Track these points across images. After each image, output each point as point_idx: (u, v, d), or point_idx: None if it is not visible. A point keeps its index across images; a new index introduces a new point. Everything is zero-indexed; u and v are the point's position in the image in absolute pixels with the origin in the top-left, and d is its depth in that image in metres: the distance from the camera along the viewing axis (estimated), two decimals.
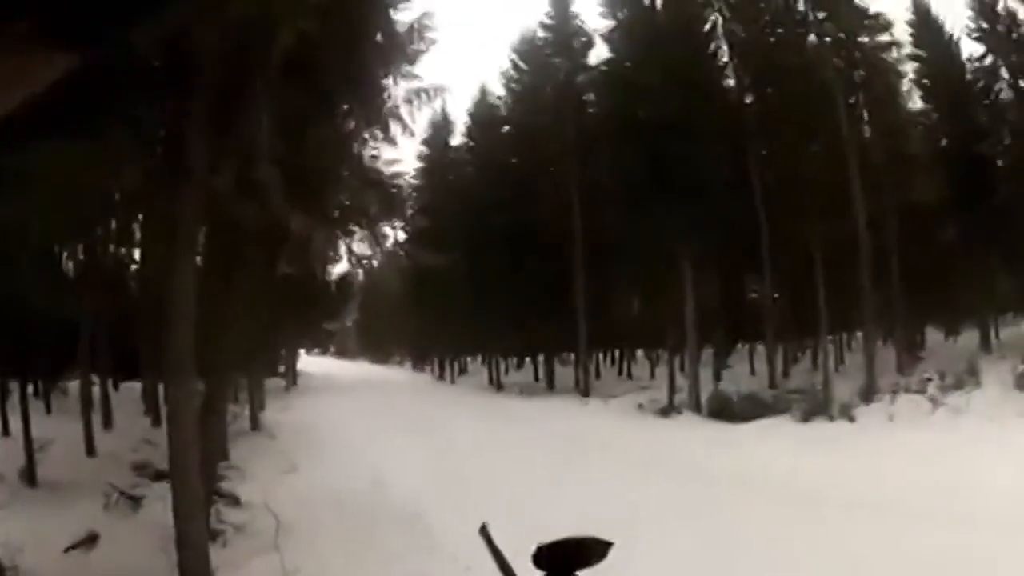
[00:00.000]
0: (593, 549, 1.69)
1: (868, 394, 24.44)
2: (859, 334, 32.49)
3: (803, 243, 26.80)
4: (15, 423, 19.76)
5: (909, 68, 31.15)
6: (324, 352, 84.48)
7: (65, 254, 21.41)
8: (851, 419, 22.55)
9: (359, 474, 18.29)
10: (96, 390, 24.07)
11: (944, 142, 30.45)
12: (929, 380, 23.53)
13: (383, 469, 18.90)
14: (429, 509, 13.86)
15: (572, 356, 43.00)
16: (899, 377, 25.60)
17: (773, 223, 28.37)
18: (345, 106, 12.72)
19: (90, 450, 20.75)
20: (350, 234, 14.57)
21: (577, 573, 1.72)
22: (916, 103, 31.78)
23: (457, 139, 51.38)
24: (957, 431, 18.44)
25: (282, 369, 46.12)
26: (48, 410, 25.21)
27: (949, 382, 22.77)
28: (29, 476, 17.78)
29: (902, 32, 30.65)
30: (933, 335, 33.96)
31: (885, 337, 30.62)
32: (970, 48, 30.32)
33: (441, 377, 60.03)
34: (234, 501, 15.26)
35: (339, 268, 17.80)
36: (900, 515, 11.86)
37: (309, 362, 62.91)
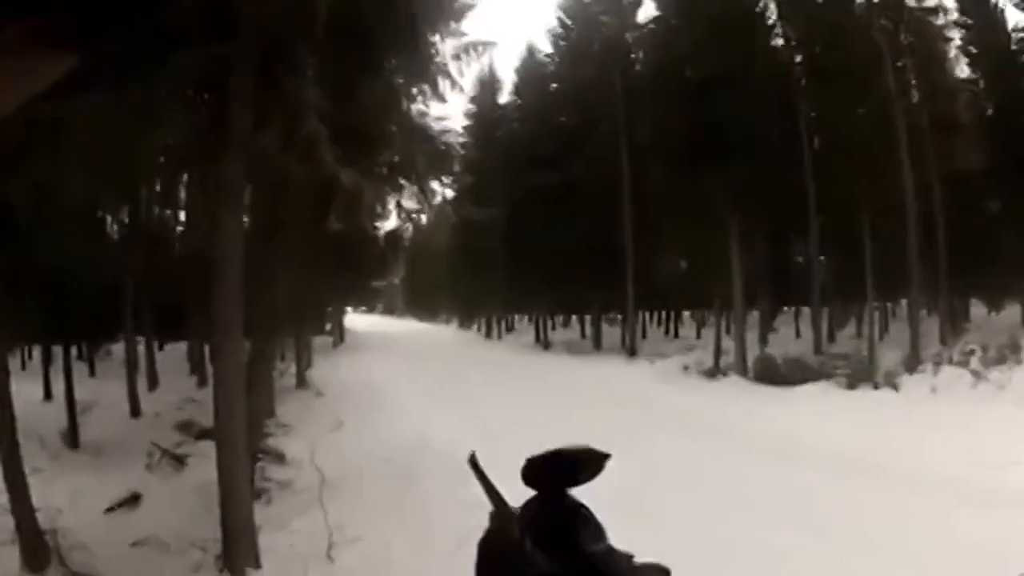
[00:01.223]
0: (588, 461, 1.50)
1: (911, 364, 24.12)
2: (904, 302, 32.17)
3: (850, 207, 26.43)
4: (58, 387, 19.88)
5: (955, 35, 30.65)
6: (371, 310, 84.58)
7: (109, 217, 21.42)
8: (895, 388, 22.33)
9: (405, 431, 18.28)
10: (141, 351, 24.24)
11: (990, 111, 29.97)
12: (971, 353, 23.09)
13: (429, 426, 18.86)
14: (464, 468, 13.84)
15: (619, 315, 42.86)
16: (942, 348, 25.21)
17: (820, 185, 27.99)
18: (392, 62, 12.61)
19: (134, 411, 20.92)
20: (399, 189, 14.53)
21: (570, 490, 1.50)
22: (963, 70, 31.30)
23: (505, 97, 51.43)
24: (999, 407, 18.20)
25: (329, 327, 46.20)
26: (92, 372, 25.45)
27: (991, 356, 22.38)
28: (71, 438, 17.93)
29: None
30: (976, 307, 33.50)
31: (929, 307, 30.30)
32: (1016, 17, 29.86)
33: (488, 335, 60.10)
34: (279, 458, 15.29)
35: (388, 225, 17.77)
36: (937, 489, 11.76)
37: (356, 320, 62.86)
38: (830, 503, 11.48)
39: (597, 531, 1.43)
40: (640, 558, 1.41)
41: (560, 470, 1.48)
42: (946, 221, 26.25)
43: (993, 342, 23.35)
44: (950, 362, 22.97)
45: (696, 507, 11.59)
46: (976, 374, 21.28)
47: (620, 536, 1.42)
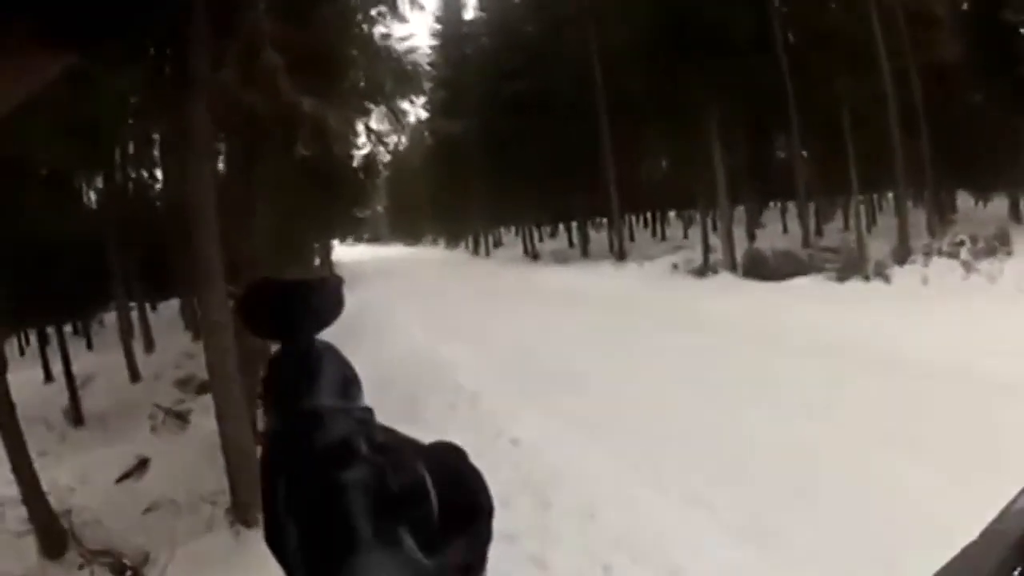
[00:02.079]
0: (318, 290, 1.02)
1: (901, 256, 24.05)
2: (890, 195, 32.00)
3: (830, 101, 26.23)
4: (58, 367, 19.84)
5: None
6: (358, 240, 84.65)
7: (85, 185, 21.20)
8: (886, 280, 22.30)
9: (401, 352, 18.30)
10: (135, 316, 24.15)
11: (965, 6, 29.53)
12: (961, 244, 23.05)
13: (425, 347, 18.92)
14: (472, 384, 13.81)
15: (605, 221, 42.80)
16: (931, 240, 25.18)
17: (798, 80, 27.72)
18: None
19: (134, 376, 20.93)
20: (367, 112, 14.37)
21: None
22: None
23: (470, 13, 51.62)
24: (992, 298, 18.17)
25: (317, 262, 46.37)
26: (89, 345, 25.42)
27: (981, 248, 22.34)
28: (75, 415, 17.92)
29: None
30: (963, 199, 33.44)
31: (915, 199, 30.20)
32: None
33: (476, 252, 60.53)
34: None
35: (362, 152, 17.63)
36: (944, 377, 11.56)
37: (344, 252, 62.99)
38: (837, 394, 11.39)
39: (348, 383, 1.06)
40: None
41: (280, 307, 1.10)
42: (928, 113, 26.04)
43: (981, 233, 23.25)
44: (939, 254, 22.93)
45: (703, 405, 11.50)
46: (967, 265, 21.25)
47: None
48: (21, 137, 9.53)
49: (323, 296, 1.07)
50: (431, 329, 21.34)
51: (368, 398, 1.19)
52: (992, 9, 26.08)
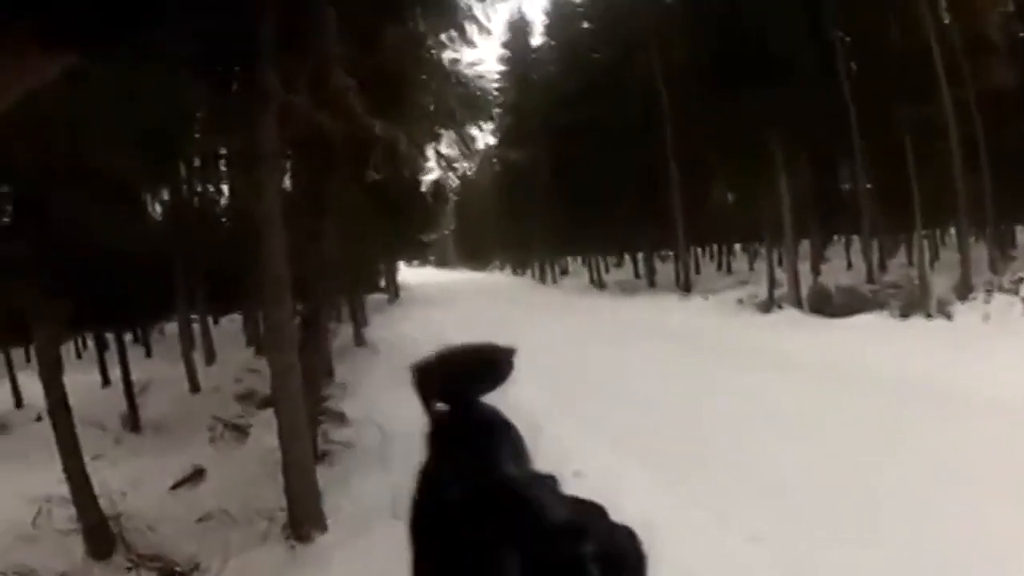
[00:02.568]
0: (484, 360, 1.27)
1: (963, 292, 23.82)
2: (952, 230, 31.68)
3: (893, 131, 26.05)
4: (115, 372, 20.05)
5: None
6: (424, 263, 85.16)
7: (151, 196, 21.46)
8: (948, 316, 22.09)
9: None
10: (196, 327, 24.41)
11: (1022, 34, 29.22)
12: (1020, 281, 22.86)
13: None
14: (536, 413, 13.76)
15: (671, 253, 42.75)
16: (992, 275, 24.93)
17: (861, 111, 27.56)
18: (414, 8, 12.49)
19: (193, 387, 21.15)
20: (437, 138, 14.50)
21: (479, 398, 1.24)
22: None
23: (537, 39, 51.81)
24: None
25: (383, 283, 46.57)
26: (148, 354, 25.70)
27: None
28: (132, 422, 18.09)
29: None
30: (1022, 234, 33.10)
31: (977, 234, 29.93)
32: None
33: (542, 279, 60.46)
34: (340, 419, 15.36)
35: (431, 176, 17.78)
36: (1008, 415, 11.46)
37: (410, 274, 63.52)
38: (907, 432, 11.33)
39: (516, 448, 1.22)
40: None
41: (458, 374, 1.26)
42: (988, 145, 25.76)
43: None
44: (1001, 290, 22.69)
45: (778, 442, 11.48)
46: None
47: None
48: (88, 148, 9.68)
49: (498, 366, 1.17)
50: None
51: None
52: None
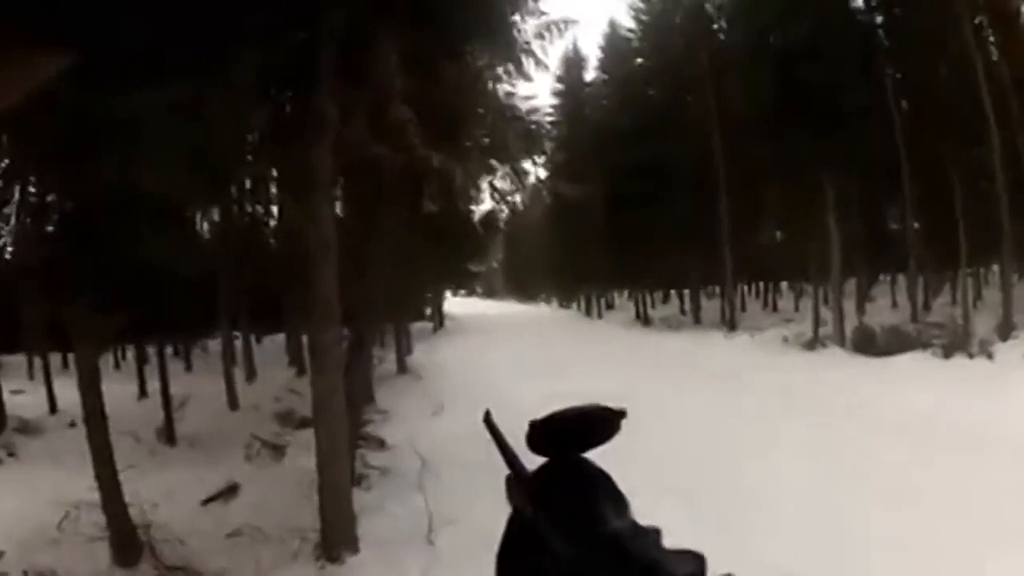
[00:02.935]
0: (597, 420, 1.34)
1: (1005, 331, 23.75)
2: (995, 268, 31.56)
3: (941, 172, 26.07)
4: (154, 384, 20.20)
5: None
6: (470, 293, 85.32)
7: (199, 215, 21.70)
8: (990, 357, 22.01)
9: (507, 414, 18.35)
10: (238, 344, 24.60)
11: None
12: None
13: (530, 408, 18.94)
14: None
15: (717, 289, 42.71)
16: None
17: (911, 150, 27.60)
18: (474, 44, 12.66)
19: (232, 403, 21.25)
20: (492, 171, 14.64)
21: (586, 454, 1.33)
22: None
23: (591, 74, 51.94)
24: None
25: (428, 312, 46.72)
26: (188, 368, 25.88)
27: None
28: (168, 434, 18.18)
29: None
30: None
31: (1020, 272, 29.81)
32: None
33: (588, 313, 60.53)
34: (379, 444, 15.48)
35: (483, 207, 17.92)
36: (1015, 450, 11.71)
37: (455, 303, 63.82)
38: (928, 475, 11.41)
39: (620, 503, 1.27)
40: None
41: (569, 433, 1.35)
42: None
43: None
44: None
45: (815, 485, 11.52)
46: None
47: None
48: (141, 165, 9.85)
49: (607, 426, 1.30)
50: (540, 395, 21.43)
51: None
52: None
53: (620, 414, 1.32)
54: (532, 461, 1.37)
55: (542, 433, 1.34)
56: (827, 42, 26.50)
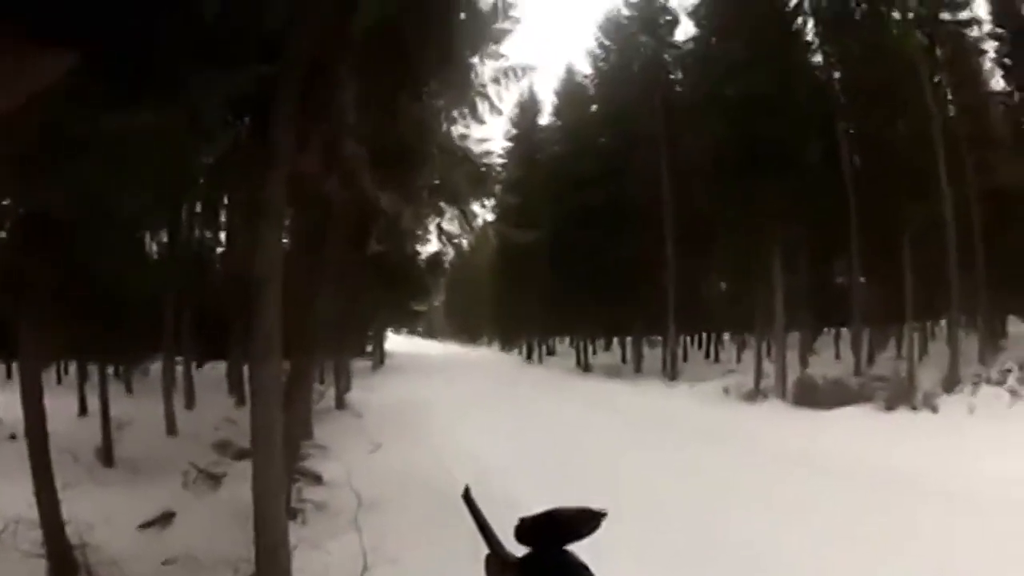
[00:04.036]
0: (583, 520, 1.53)
1: (950, 384, 24.05)
2: (943, 322, 31.91)
3: (891, 226, 26.41)
4: (94, 403, 20.01)
5: (990, 47, 30.55)
6: (412, 333, 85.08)
7: (149, 235, 21.54)
8: (933, 409, 22.29)
9: (445, 454, 18.51)
10: (179, 370, 24.39)
11: None
12: (1009, 371, 23.11)
13: (468, 450, 19.09)
14: (513, 490, 13.76)
15: (659, 338, 42.85)
16: (981, 367, 25.19)
17: (862, 204, 27.95)
18: (432, 85, 12.70)
19: (171, 429, 21.05)
20: (440, 212, 14.67)
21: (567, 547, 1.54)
22: (998, 83, 31.14)
23: (545, 118, 52.28)
24: None
25: (369, 349, 46.57)
26: (129, 390, 25.55)
27: None
28: (106, 455, 17.99)
29: (982, 10, 30.09)
30: (1015, 324, 33.28)
31: (968, 326, 30.17)
32: None
33: (529, 358, 60.31)
34: (316, 479, 15.40)
35: (429, 247, 17.95)
36: (963, 502, 12.09)
37: (396, 342, 63.53)
38: (880, 523, 11.53)
39: None
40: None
41: (555, 529, 1.53)
42: (984, 237, 26.10)
43: None
44: (988, 381, 22.98)
45: (762, 530, 11.63)
46: (1013, 392, 21.23)
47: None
48: (94, 180, 9.76)
49: (588, 525, 1.51)
50: (478, 438, 21.41)
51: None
52: None
53: (601, 515, 1.51)
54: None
55: (531, 528, 1.52)
56: (782, 95, 26.91)
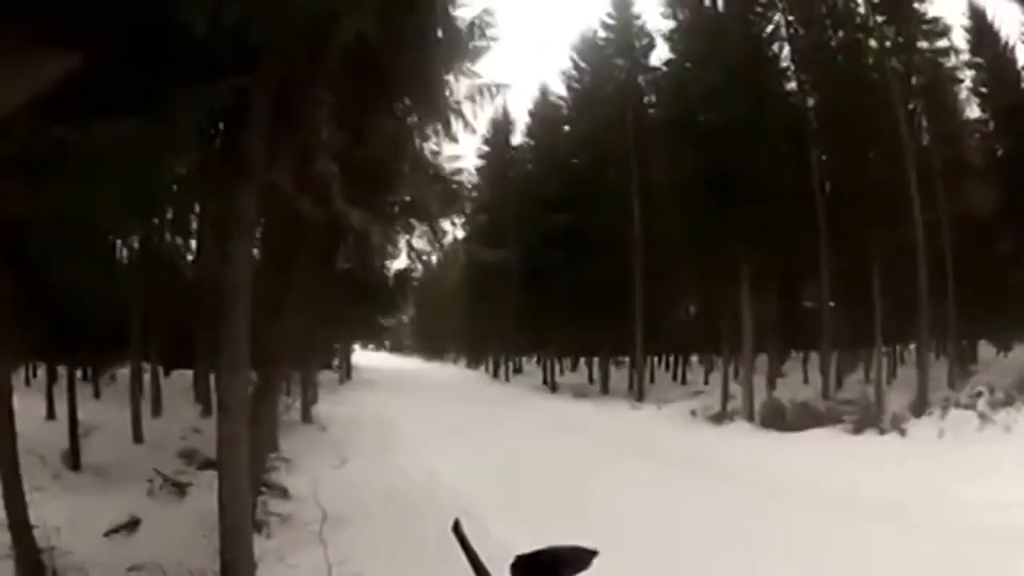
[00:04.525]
0: (575, 559, 1.63)
1: (919, 408, 24.19)
2: (913, 346, 32.06)
3: (861, 252, 26.58)
4: (62, 407, 19.93)
5: (966, 75, 30.81)
6: (379, 347, 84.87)
7: (120, 242, 21.46)
8: (902, 433, 22.39)
9: (410, 469, 18.53)
10: (147, 378, 24.29)
11: (1000, 152, 30.06)
12: (979, 395, 23.18)
13: (434, 465, 19.14)
14: (478, 505, 13.78)
15: (627, 359, 42.86)
16: (950, 392, 25.35)
17: (833, 230, 28.12)
18: (406, 102, 12.72)
19: (137, 436, 20.97)
20: (410, 229, 14.66)
21: None
22: (973, 111, 31.41)
23: (518, 138, 52.30)
24: (1005, 449, 18.32)
25: (336, 363, 46.47)
26: (97, 395, 25.43)
27: (998, 398, 22.47)
28: (73, 460, 17.94)
29: (960, 39, 30.37)
30: (985, 349, 33.50)
31: (938, 350, 30.34)
32: None
33: (495, 376, 60.32)
34: (282, 492, 15.39)
35: (398, 264, 17.97)
36: (942, 531, 11.90)
37: (363, 357, 63.47)
38: (839, 548, 11.59)
39: None
40: None
41: (548, 566, 1.64)
42: (956, 263, 26.31)
43: (1000, 383, 23.47)
44: (957, 405, 23.06)
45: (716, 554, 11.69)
46: (983, 416, 21.32)
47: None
48: (65, 185, 9.74)
49: (580, 563, 1.63)
50: (444, 453, 21.43)
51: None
52: None
53: (593, 553, 1.63)
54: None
55: (527, 565, 1.64)
56: (755, 121, 27.00)
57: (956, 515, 12.68)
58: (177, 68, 7.06)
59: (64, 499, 14.11)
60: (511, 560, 1.69)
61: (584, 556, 1.62)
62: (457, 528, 1.75)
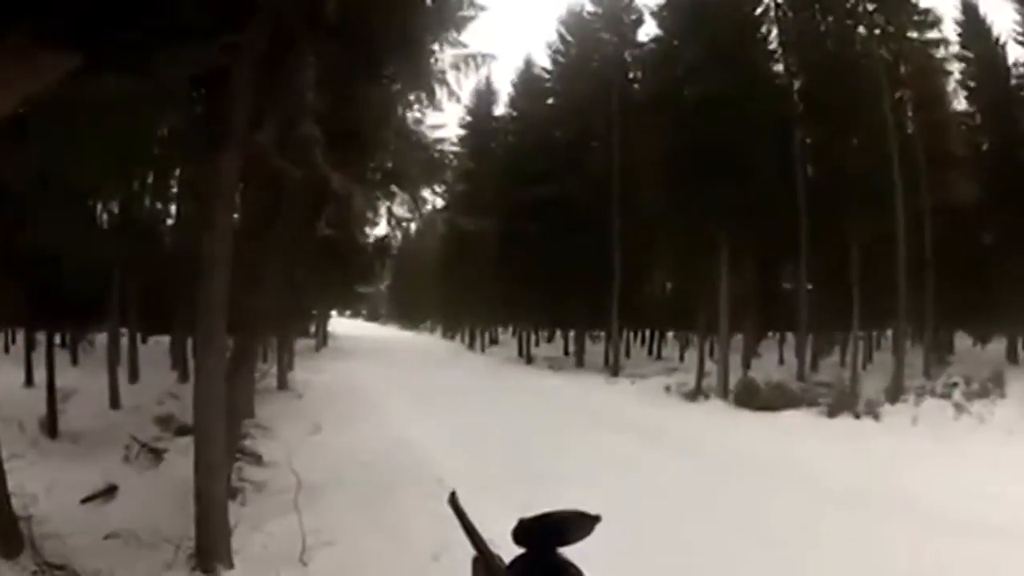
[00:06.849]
0: (577, 524, 1.60)
1: (894, 394, 24.27)
2: (889, 333, 32.19)
3: (841, 236, 26.60)
4: (40, 373, 19.85)
5: (955, 68, 30.79)
6: (355, 315, 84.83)
7: (100, 205, 21.30)
8: (876, 418, 22.48)
9: (384, 437, 18.53)
10: (124, 343, 24.19)
11: (985, 145, 30.12)
12: (954, 385, 23.35)
13: (409, 434, 19.15)
14: (452, 474, 13.79)
15: (603, 333, 42.88)
16: (925, 380, 25.44)
17: (813, 214, 28.15)
18: (391, 69, 12.63)
19: (114, 402, 20.89)
20: (391, 196, 14.60)
21: (560, 549, 1.62)
22: (960, 103, 31.41)
23: (501, 108, 51.54)
24: (979, 440, 18.41)
25: (313, 330, 46.43)
26: (74, 361, 25.34)
27: (974, 389, 22.63)
28: (50, 426, 17.85)
29: (950, 31, 30.34)
30: (962, 340, 33.60)
31: (914, 338, 30.39)
32: (1016, 52, 29.97)
33: (471, 346, 60.28)
34: (257, 459, 15.34)
35: (377, 231, 17.88)
36: (913, 517, 11.99)
37: (340, 324, 63.37)
38: (806, 528, 11.62)
39: None
40: None
41: (550, 531, 1.59)
42: (936, 253, 26.34)
43: (977, 375, 23.57)
44: (933, 394, 23.19)
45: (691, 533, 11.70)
46: (958, 407, 21.42)
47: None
48: (44, 147, 9.62)
49: (582, 528, 1.58)
50: (418, 421, 21.46)
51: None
52: (1010, 149, 26.67)
53: (595, 519, 1.60)
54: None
55: (528, 529, 1.59)
56: (740, 101, 26.93)
57: (920, 505, 12.72)
58: (167, 25, 6.96)
59: (41, 466, 14.00)
60: (494, 526, 1.69)
61: (588, 521, 1.60)
62: (453, 500, 1.72)
